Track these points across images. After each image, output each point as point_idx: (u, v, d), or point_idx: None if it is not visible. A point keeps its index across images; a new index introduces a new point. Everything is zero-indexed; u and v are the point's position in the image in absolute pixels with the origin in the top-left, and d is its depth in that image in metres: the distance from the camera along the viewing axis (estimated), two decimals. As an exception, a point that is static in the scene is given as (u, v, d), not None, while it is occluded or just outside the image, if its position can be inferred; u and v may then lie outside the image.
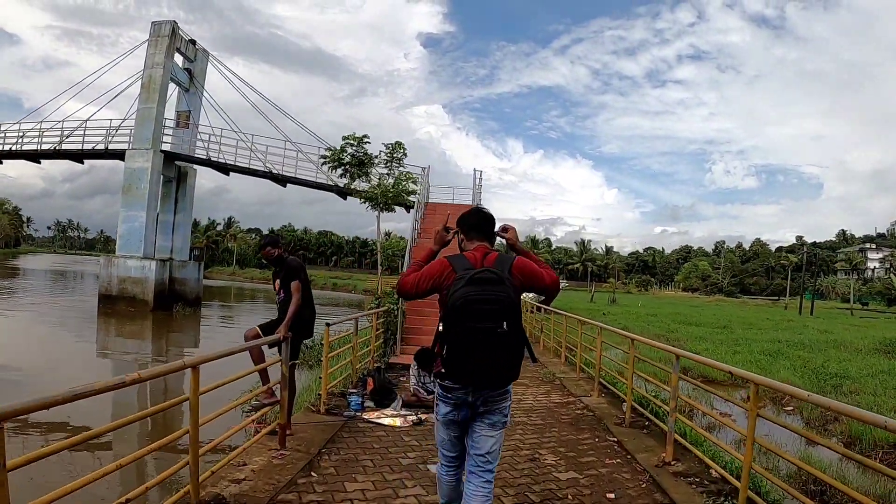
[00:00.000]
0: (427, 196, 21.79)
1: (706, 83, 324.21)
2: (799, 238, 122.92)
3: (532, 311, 22.01)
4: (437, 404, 3.21)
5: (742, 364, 14.94)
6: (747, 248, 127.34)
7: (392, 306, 11.64)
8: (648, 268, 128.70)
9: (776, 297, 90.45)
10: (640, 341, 7.18)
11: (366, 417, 6.72)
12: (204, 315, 27.97)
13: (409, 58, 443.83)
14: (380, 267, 13.70)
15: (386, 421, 6.63)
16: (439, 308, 3.05)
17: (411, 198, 17.08)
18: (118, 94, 29.74)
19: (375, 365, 9.96)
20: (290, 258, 6.06)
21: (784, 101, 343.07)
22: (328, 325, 6.85)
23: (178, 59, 30.23)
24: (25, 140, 30.61)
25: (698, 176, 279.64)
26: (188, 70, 30.67)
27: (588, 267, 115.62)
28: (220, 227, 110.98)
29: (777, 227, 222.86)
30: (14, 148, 30.69)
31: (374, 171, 15.31)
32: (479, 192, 20.85)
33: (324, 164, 15.35)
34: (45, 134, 30.41)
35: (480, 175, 21.31)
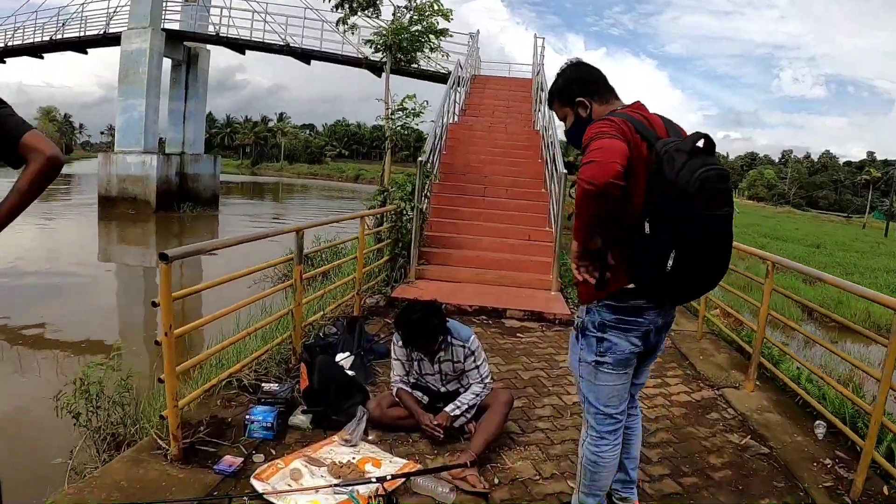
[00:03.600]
0: (477, 68, 17.94)
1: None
2: (870, 154, 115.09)
3: None
4: (600, 343, 2.24)
5: None
6: (815, 160, 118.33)
7: (404, 204, 7.50)
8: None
9: (847, 215, 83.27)
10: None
11: (257, 487, 2.78)
12: (227, 214, 24.71)
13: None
14: (388, 146, 9.33)
15: (304, 500, 2.68)
16: (619, 195, 1.95)
17: (446, 65, 12.32)
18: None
19: (366, 302, 5.98)
20: None
21: (859, 12, 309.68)
22: (166, 258, 2.79)
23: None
24: (26, 34, 27.20)
25: (765, 81, 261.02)
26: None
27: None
28: (272, 124, 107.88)
29: (845, 140, 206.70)
30: (11, 44, 27.32)
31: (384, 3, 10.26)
32: (542, 63, 16.11)
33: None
34: (45, 26, 26.83)
35: (543, 43, 16.57)
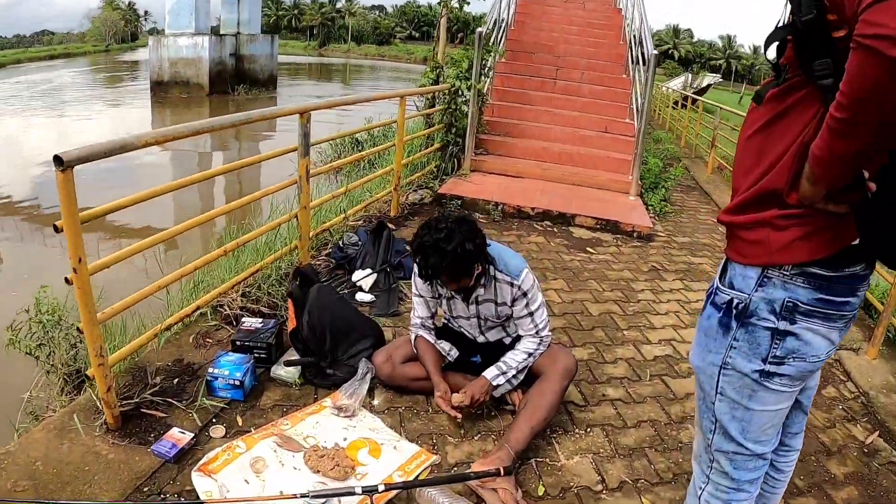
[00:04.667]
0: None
1: None
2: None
3: (678, 106, 15.95)
4: (780, 340, 1.23)
5: None
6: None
7: (459, 83, 6.31)
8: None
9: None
10: None
11: (199, 486, 1.96)
12: (286, 95, 23.80)
13: None
14: (443, 13, 7.82)
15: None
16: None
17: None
18: None
19: (408, 199, 5.02)
20: None
21: None
22: (60, 162, 1.84)
23: None
24: None
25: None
26: None
27: (733, 65, 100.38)
28: (339, 5, 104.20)
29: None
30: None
31: None
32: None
33: None
34: None
35: None
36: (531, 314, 2.36)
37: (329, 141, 4.14)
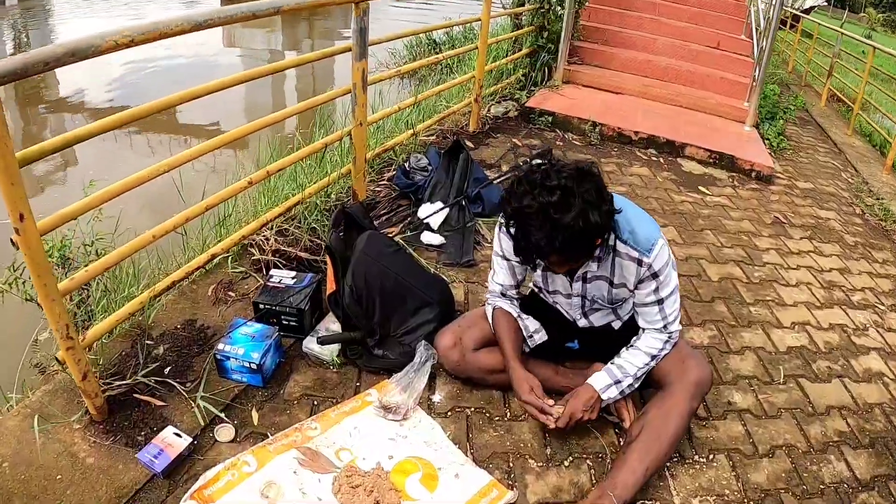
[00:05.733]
0: None
1: None
2: None
3: (785, 27, 13.97)
4: None
5: None
6: None
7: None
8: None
9: None
10: None
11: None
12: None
13: None
14: None
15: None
16: None
17: None
18: None
19: (490, 112, 4.26)
20: None
21: None
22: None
23: None
24: None
25: None
26: None
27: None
28: None
29: None
30: None
31: None
32: None
33: None
34: None
35: None
36: (660, 302, 1.66)
37: (392, 40, 3.34)
